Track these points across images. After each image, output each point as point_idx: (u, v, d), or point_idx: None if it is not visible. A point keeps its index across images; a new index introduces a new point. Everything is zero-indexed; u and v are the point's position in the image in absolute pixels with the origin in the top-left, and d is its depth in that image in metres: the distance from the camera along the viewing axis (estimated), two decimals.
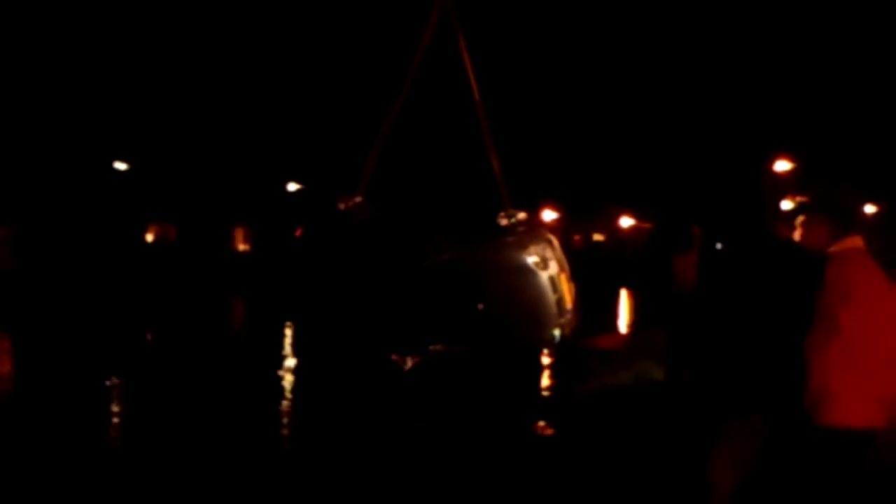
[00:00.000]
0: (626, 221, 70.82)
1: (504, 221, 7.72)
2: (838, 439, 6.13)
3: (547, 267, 7.53)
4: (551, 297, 7.53)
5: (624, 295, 36.75)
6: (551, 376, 16.30)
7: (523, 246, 7.59)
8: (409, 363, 7.72)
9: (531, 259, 7.54)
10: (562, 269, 7.59)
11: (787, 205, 12.48)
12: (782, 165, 32.47)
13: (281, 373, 20.01)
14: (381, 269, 7.78)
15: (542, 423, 14.26)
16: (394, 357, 7.77)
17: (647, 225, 64.93)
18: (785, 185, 28.35)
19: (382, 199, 7.86)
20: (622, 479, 8.77)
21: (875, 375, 6.11)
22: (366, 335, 8.13)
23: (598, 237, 73.16)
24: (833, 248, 6.34)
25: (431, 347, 7.71)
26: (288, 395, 17.70)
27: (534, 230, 7.82)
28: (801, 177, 30.10)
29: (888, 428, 6.15)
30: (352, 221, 7.83)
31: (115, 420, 15.57)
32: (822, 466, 6.17)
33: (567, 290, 7.66)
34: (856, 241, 6.35)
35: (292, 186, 61.53)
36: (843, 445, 6.14)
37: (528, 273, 7.51)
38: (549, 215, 57.20)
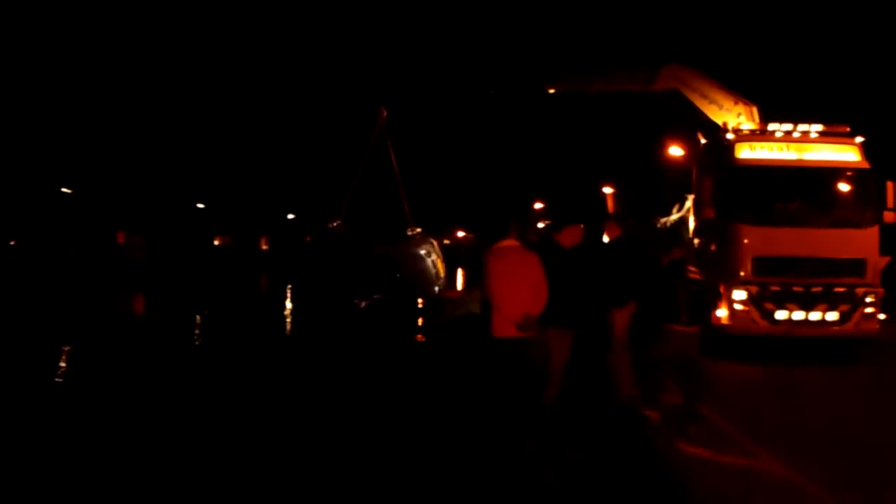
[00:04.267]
0: (461, 233, 71.57)
1: (410, 232, 7.83)
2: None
3: (431, 255, 7.66)
4: (433, 270, 7.67)
5: (460, 272, 36.70)
6: (425, 311, 16.28)
7: (419, 244, 7.71)
8: (363, 304, 7.78)
9: (423, 251, 7.66)
10: (438, 256, 7.76)
11: (540, 224, 12.77)
12: (538, 205, 33.93)
13: (286, 312, 19.74)
14: (348, 257, 7.79)
15: (419, 335, 14.31)
16: (354, 300, 7.81)
17: (472, 235, 66.13)
18: (539, 215, 29.06)
19: (350, 222, 7.90)
20: (461, 362, 8.82)
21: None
22: (339, 290, 8.15)
23: (446, 241, 73.62)
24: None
25: (374, 296, 7.77)
26: (288, 321, 17.52)
27: (424, 237, 7.94)
28: (546, 211, 31.10)
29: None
30: (334, 234, 7.85)
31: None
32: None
33: (441, 268, 7.81)
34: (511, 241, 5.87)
35: (290, 215, 61.25)
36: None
37: (421, 258, 7.62)
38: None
